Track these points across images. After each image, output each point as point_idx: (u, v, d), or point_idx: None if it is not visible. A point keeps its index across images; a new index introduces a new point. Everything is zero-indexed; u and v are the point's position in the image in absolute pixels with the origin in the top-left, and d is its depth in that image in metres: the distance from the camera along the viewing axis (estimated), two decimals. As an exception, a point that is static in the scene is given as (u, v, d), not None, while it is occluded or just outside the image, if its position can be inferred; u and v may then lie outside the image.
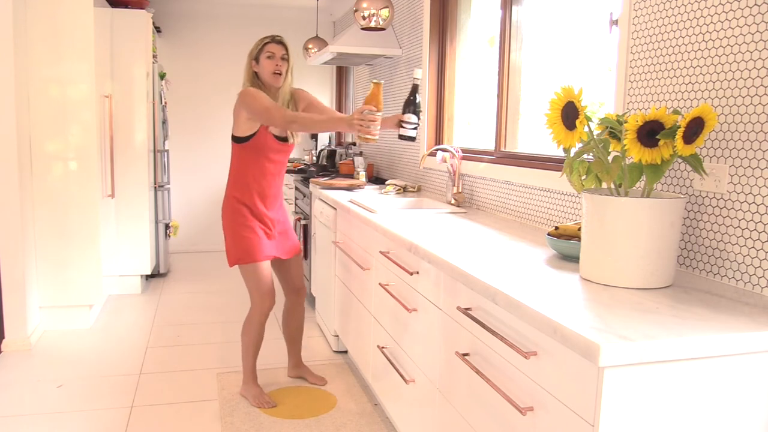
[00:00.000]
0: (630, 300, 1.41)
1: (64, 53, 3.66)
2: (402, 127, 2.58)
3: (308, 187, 4.15)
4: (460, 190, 3.17)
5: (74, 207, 3.77)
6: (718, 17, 1.64)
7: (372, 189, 3.86)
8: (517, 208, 2.69)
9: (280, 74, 2.73)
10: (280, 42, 2.74)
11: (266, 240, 2.82)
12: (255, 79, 2.77)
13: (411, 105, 2.57)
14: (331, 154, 5.36)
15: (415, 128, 2.58)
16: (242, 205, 2.78)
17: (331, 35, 6.42)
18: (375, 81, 2.45)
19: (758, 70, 1.53)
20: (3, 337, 3.48)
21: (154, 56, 5.02)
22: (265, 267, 2.82)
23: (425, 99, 3.73)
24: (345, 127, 2.51)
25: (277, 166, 2.81)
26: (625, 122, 1.51)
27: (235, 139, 2.77)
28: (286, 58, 2.75)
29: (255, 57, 2.75)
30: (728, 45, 1.61)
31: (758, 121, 1.53)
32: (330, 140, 6.47)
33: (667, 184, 1.83)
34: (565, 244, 1.84)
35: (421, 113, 2.60)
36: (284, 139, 2.80)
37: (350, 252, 3.04)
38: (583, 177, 1.69)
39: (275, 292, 2.89)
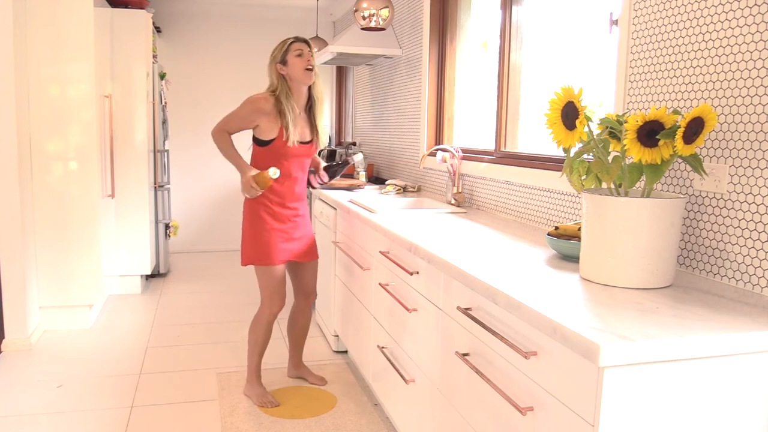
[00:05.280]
0: (630, 300, 1.41)
1: (64, 53, 3.66)
2: (315, 177, 3.08)
3: (312, 188, 4.15)
4: (460, 190, 3.17)
5: (74, 207, 3.77)
6: (718, 17, 1.64)
7: (372, 189, 3.86)
8: (517, 208, 2.69)
9: (311, 69, 2.73)
10: (305, 40, 2.76)
11: (284, 243, 2.81)
12: (283, 82, 2.74)
13: (331, 169, 3.13)
14: (331, 154, 5.36)
15: (322, 184, 3.14)
16: (263, 206, 2.78)
17: (331, 35, 6.42)
18: (269, 175, 2.69)
19: (758, 70, 1.53)
20: (3, 337, 3.48)
21: (154, 56, 5.02)
22: (279, 270, 2.82)
23: (425, 99, 3.74)
24: (240, 176, 2.78)
25: (298, 168, 2.82)
26: (625, 122, 1.51)
27: (257, 141, 2.78)
28: (312, 55, 2.76)
29: (281, 60, 2.73)
30: (728, 45, 1.61)
31: (758, 121, 1.53)
32: (330, 140, 6.47)
33: (667, 184, 1.83)
34: (565, 244, 1.84)
35: (335, 178, 3.19)
36: (308, 142, 2.82)
37: (350, 252, 3.04)
38: (583, 177, 1.69)
39: (286, 295, 2.90)
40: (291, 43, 2.73)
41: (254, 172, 2.72)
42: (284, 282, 2.86)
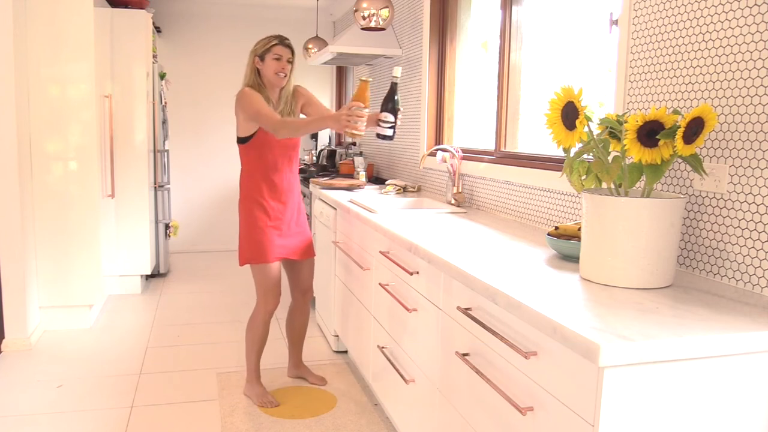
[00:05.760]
0: (630, 300, 1.41)
1: (64, 53, 3.66)
2: (379, 125, 2.55)
3: (308, 187, 4.15)
4: (460, 190, 3.17)
5: (74, 207, 3.77)
6: (718, 17, 1.64)
7: (372, 189, 3.86)
8: (517, 208, 2.69)
9: (284, 76, 2.76)
10: (289, 46, 2.77)
11: (278, 240, 2.82)
12: (257, 76, 2.78)
13: (389, 103, 2.55)
14: (331, 154, 5.36)
15: (392, 127, 2.55)
16: (255, 203, 2.79)
17: (331, 35, 6.42)
18: (363, 78, 2.47)
19: (758, 70, 1.53)
20: (3, 337, 3.48)
21: (154, 56, 5.02)
22: (274, 268, 2.83)
23: (425, 99, 3.73)
24: (332, 124, 2.49)
25: (285, 160, 2.81)
26: (625, 122, 1.51)
27: (240, 140, 2.79)
28: (291, 62, 2.77)
29: (260, 55, 2.76)
30: (728, 45, 1.61)
31: (758, 121, 1.53)
32: (330, 140, 6.47)
33: (667, 184, 1.83)
34: (565, 244, 1.84)
35: (399, 111, 2.57)
36: None
37: (350, 252, 3.04)
38: (583, 177, 1.69)
39: (281, 293, 2.90)
40: (274, 44, 2.74)
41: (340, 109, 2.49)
42: (279, 280, 2.86)
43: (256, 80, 2.78)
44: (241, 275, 5.37)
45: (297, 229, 2.91)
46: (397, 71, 2.55)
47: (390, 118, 2.54)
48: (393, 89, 2.56)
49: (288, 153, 2.82)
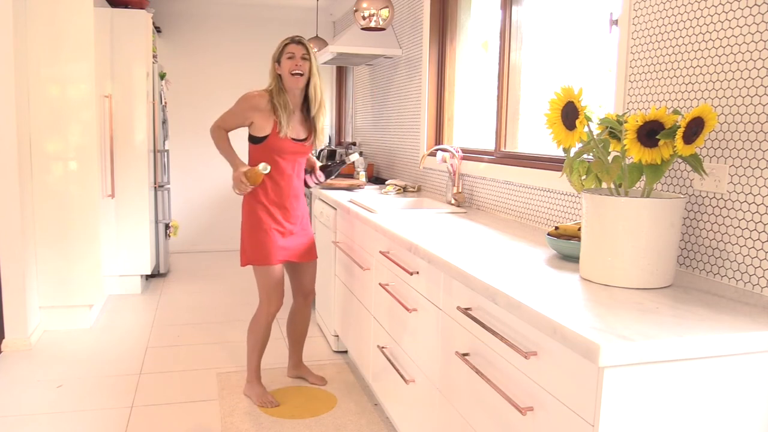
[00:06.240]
0: (630, 300, 1.41)
1: (64, 53, 3.66)
2: (309, 176, 3.04)
3: (308, 187, 4.15)
4: (460, 190, 3.17)
5: (74, 207, 3.76)
6: (718, 17, 1.64)
7: (372, 189, 3.86)
8: (517, 208, 2.69)
9: (300, 74, 2.72)
10: (300, 42, 2.75)
11: (281, 242, 2.82)
12: (279, 81, 2.77)
13: (328, 169, 3.09)
14: (331, 153, 5.36)
15: (317, 184, 3.10)
16: (260, 204, 2.79)
17: (331, 35, 6.42)
18: (265, 172, 2.69)
19: (758, 70, 1.53)
20: (3, 337, 3.48)
21: (154, 56, 5.02)
22: (277, 270, 2.82)
23: (425, 99, 3.74)
24: (232, 172, 2.78)
25: (292, 165, 2.82)
26: (625, 122, 1.52)
27: (251, 139, 2.80)
28: (306, 58, 2.74)
29: (277, 59, 2.76)
30: (728, 45, 1.61)
31: (758, 121, 1.53)
32: (330, 140, 6.47)
33: (667, 184, 1.83)
34: (565, 244, 1.84)
35: (331, 177, 3.12)
36: (302, 140, 2.82)
37: (350, 252, 3.04)
38: (583, 177, 1.69)
39: (284, 295, 2.90)
40: (286, 44, 2.74)
41: (246, 168, 2.73)
42: (282, 282, 2.86)
43: (278, 85, 2.76)
44: (241, 275, 5.37)
45: (301, 231, 2.91)
46: (354, 156, 3.17)
47: (321, 178, 3.07)
48: (339, 164, 3.12)
49: (297, 160, 2.83)
